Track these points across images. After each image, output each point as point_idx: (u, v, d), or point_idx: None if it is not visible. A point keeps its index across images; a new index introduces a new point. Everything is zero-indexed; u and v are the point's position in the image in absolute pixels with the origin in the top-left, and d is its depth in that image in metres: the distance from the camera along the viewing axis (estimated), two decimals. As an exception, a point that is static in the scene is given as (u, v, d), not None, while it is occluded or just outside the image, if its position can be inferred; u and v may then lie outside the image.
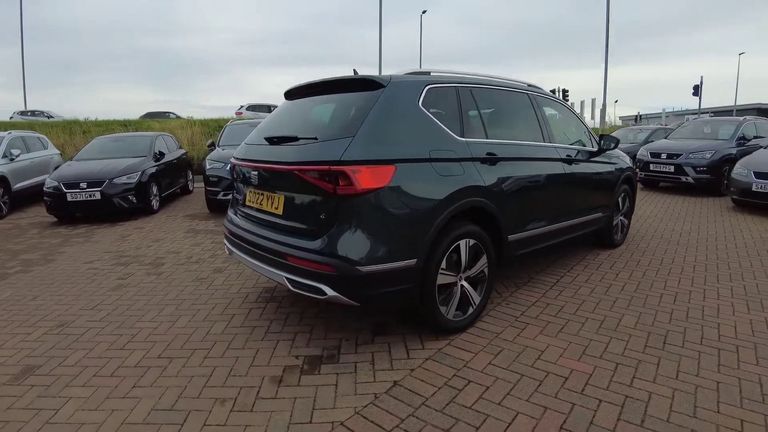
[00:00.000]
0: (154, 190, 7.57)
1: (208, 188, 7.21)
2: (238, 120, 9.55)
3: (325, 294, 2.56)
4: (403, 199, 2.65)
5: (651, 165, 9.21)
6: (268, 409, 2.30)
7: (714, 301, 3.63)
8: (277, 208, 2.92)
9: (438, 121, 2.95)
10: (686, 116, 40.23)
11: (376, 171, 2.53)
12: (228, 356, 2.82)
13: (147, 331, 3.21)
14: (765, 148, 7.84)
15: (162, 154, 8.25)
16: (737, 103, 42.61)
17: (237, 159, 3.34)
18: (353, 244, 2.53)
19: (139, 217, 7.34)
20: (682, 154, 8.74)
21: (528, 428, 2.15)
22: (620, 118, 54.20)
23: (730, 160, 8.43)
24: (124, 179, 6.95)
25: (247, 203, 3.24)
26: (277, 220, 2.91)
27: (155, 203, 7.59)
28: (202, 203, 8.44)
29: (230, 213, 3.55)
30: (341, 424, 2.18)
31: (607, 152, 4.64)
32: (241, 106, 23.51)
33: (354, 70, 3.51)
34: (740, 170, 7.20)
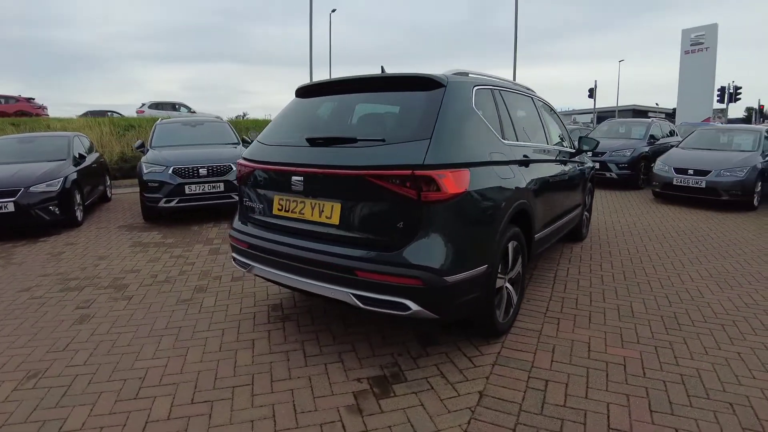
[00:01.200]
0: (78, 198, 6.42)
1: (146, 195, 6.30)
2: (167, 119, 8.51)
3: (409, 309, 2.31)
4: (478, 204, 2.51)
5: None
6: (367, 446, 2.01)
7: (692, 284, 4.01)
8: (329, 218, 2.57)
9: (488, 124, 2.84)
10: (572, 116, 44.67)
11: (457, 175, 2.35)
12: (279, 390, 2.42)
13: (156, 371, 2.65)
14: (677, 147, 8.94)
15: (82, 157, 7.03)
16: (618, 105, 48.11)
17: (257, 162, 2.91)
18: (439, 253, 2.31)
19: (62, 231, 6.16)
20: (606, 153, 9.62)
21: (624, 415, 2.20)
22: None
23: (645, 157, 9.56)
24: (43, 187, 5.77)
25: (277, 212, 2.82)
26: (332, 231, 2.56)
27: (79, 214, 6.45)
28: (131, 212, 7.42)
29: (240, 223, 3.09)
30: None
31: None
32: (143, 104, 21.15)
33: (382, 68, 3.24)
34: (661, 166, 8.13)
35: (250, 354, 2.81)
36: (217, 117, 9.04)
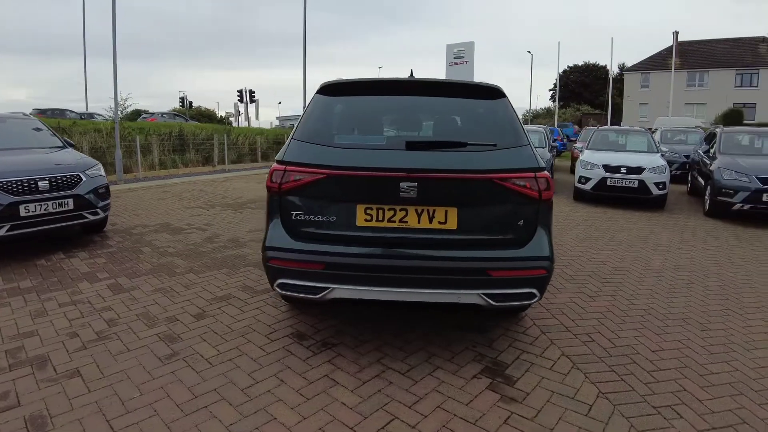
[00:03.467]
0: None
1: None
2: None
3: (535, 297, 2.52)
4: None
5: None
6: None
7: (679, 276, 4.33)
8: (444, 223, 2.46)
9: None
10: None
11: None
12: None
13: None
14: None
15: None
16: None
17: (333, 167, 2.47)
18: (549, 242, 2.59)
19: None
20: None
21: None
22: (277, 118, 59.25)
23: None
24: None
25: (364, 223, 2.48)
26: (450, 236, 2.47)
27: None
28: None
29: (294, 240, 2.54)
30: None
31: None
32: None
33: (411, 71, 3.10)
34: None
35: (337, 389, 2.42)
36: (24, 114, 6.27)
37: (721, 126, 9.54)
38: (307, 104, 2.89)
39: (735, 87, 37.42)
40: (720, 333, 3.21)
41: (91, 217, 4.78)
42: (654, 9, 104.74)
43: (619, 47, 63.14)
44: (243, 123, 26.65)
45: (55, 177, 4.45)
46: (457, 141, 2.57)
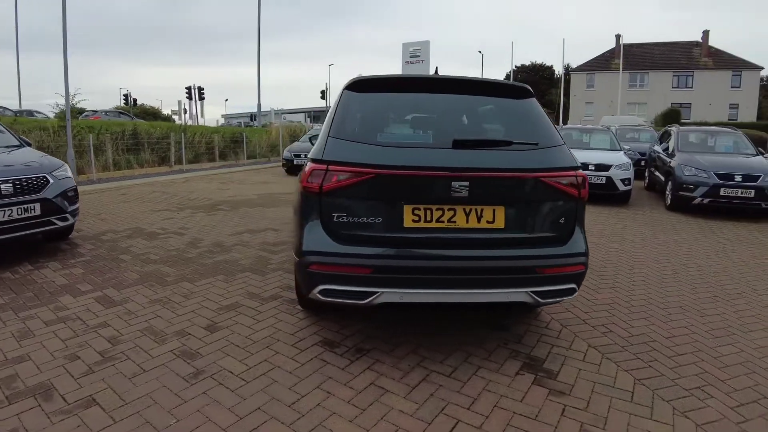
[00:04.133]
0: None
1: None
2: None
3: (575, 292, 2.55)
4: None
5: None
6: None
7: (663, 266, 4.55)
8: (492, 222, 2.41)
9: None
10: (282, 115, 46.39)
11: None
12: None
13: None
14: None
15: None
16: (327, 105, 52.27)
17: (380, 166, 2.33)
18: (585, 240, 2.62)
19: None
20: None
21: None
22: (223, 116, 56.80)
23: None
24: None
25: (411, 224, 2.36)
26: (498, 235, 2.43)
27: None
28: None
29: (337, 243, 2.37)
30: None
31: None
32: None
33: (436, 69, 2.99)
34: None
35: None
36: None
37: (677, 126, 10.20)
38: (337, 100, 2.72)
39: (672, 88, 40.26)
40: (717, 318, 3.41)
41: (60, 224, 4.26)
42: (595, 13, 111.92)
43: (562, 48, 66.01)
44: (189, 121, 25.28)
45: (20, 179, 3.91)
46: (504, 140, 2.52)
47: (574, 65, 47.73)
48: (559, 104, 37.52)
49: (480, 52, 45.54)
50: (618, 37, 42.83)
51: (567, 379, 2.51)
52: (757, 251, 5.39)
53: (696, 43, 41.90)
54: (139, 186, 9.63)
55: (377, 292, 2.36)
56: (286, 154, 13.07)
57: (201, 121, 25.78)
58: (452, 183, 2.34)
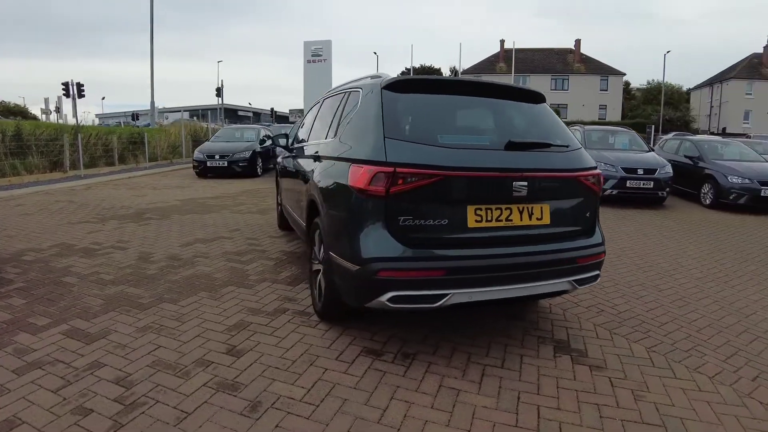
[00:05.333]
0: None
1: None
2: None
3: (599, 277, 2.76)
4: None
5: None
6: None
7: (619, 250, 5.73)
8: (540, 219, 2.49)
9: None
10: (165, 114, 41.59)
11: None
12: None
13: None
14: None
15: None
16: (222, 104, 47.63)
17: (447, 168, 2.26)
18: (601, 230, 2.85)
19: None
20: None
21: None
22: (98, 116, 49.52)
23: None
24: None
25: (475, 224, 2.33)
26: (544, 230, 2.51)
27: None
28: None
29: (406, 247, 2.23)
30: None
31: None
32: None
33: (455, 71, 2.92)
34: (199, 155, 11.85)
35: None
36: None
37: (581, 125, 11.25)
38: (375, 100, 2.55)
39: (551, 90, 44.49)
40: (671, 291, 3.89)
41: None
42: (485, 21, 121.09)
43: (459, 52, 70.22)
44: (62, 121, 21.49)
45: None
46: (546, 142, 2.61)
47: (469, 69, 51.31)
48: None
49: (375, 53, 46.49)
50: (502, 42, 47.08)
51: (597, 355, 2.71)
52: (668, 233, 6.37)
53: (570, 51, 47.41)
54: (33, 195, 7.96)
55: (448, 293, 2.29)
56: (197, 155, 11.85)
57: (72, 122, 22.10)
58: (513, 183, 2.38)
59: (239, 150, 11.86)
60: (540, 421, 2.08)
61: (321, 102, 4.25)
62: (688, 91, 50.08)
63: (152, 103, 21.85)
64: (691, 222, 7.16)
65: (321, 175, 2.96)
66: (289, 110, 43.17)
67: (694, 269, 4.61)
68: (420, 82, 2.72)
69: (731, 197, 8.09)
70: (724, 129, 36.30)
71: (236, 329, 2.88)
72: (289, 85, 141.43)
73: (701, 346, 2.90)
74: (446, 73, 62.23)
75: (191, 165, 12.39)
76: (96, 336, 2.71)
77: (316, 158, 3.26)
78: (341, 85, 3.88)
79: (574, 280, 2.61)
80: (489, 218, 2.40)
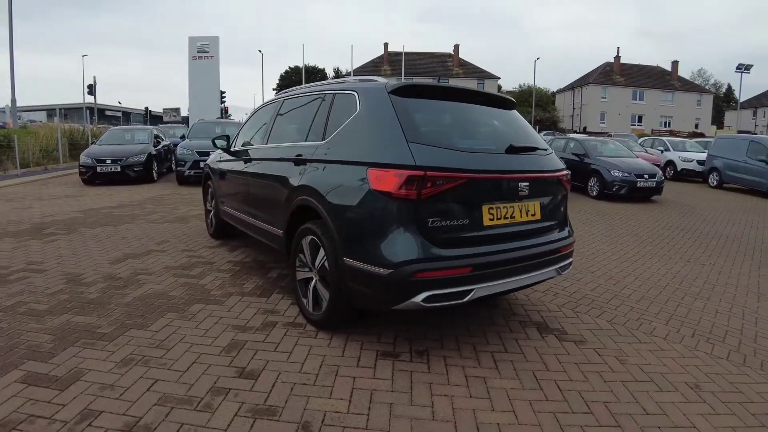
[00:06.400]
0: None
1: None
2: None
3: (572, 264, 3.06)
4: None
5: (201, 163, 9.96)
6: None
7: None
8: (534, 215, 2.73)
9: None
10: (19, 114, 34.25)
11: None
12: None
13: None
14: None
15: None
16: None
17: (471, 171, 2.37)
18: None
19: None
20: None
21: None
22: None
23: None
24: None
25: (488, 222, 2.48)
26: (535, 225, 2.74)
27: None
28: None
29: (437, 248, 2.29)
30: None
31: None
32: None
33: (438, 78, 2.97)
34: (85, 159, 10.15)
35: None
36: None
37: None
38: (386, 105, 2.52)
39: None
40: (602, 273, 4.59)
41: None
42: (374, 25, 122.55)
43: (350, 54, 69.04)
44: None
45: None
46: (534, 146, 2.84)
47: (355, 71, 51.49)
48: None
49: (260, 51, 44.52)
50: (386, 45, 48.31)
51: (574, 332, 3.04)
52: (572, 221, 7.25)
53: (449, 55, 50.20)
54: None
55: (473, 288, 2.38)
56: (84, 160, 10.10)
57: None
58: (519, 184, 2.58)
59: (134, 153, 10.40)
60: (563, 393, 2.30)
61: (278, 103, 3.99)
62: (554, 94, 56.04)
63: (13, 101, 17.90)
64: (586, 211, 8.25)
65: (320, 178, 2.81)
66: (163, 109, 39.02)
67: (608, 252, 5.38)
68: (421, 88, 2.76)
69: (614, 189, 9.39)
70: (585, 128, 41.98)
71: (233, 349, 2.60)
72: (159, 82, 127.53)
73: (645, 316, 3.42)
74: (330, 73, 62.38)
75: (76, 171, 10.57)
76: (68, 379, 2.21)
77: (299, 161, 3.09)
78: (309, 87, 3.71)
79: (559, 268, 2.90)
80: (499, 216, 2.56)
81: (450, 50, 51.00)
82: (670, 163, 14.62)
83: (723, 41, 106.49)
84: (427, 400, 2.19)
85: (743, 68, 39.32)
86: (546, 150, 2.95)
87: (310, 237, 2.88)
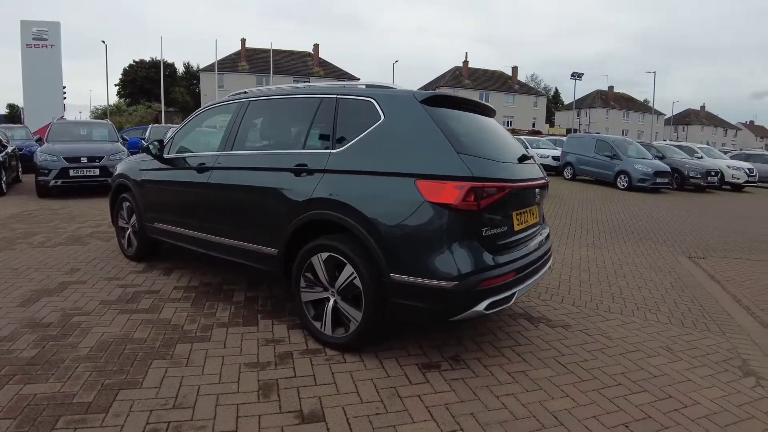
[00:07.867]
0: None
1: None
2: None
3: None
4: None
5: (71, 171, 8.17)
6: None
7: None
8: (536, 217, 2.97)
9: None
10: None
11: None
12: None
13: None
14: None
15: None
16: None
17: (513, 180, 2.48)
18: None
19: None
20: (104, 157, 8.33)
21: None
22: None
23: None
24: None
25: (517, 228, 2.64)
26: (537, 227, 2.98)
27: None
28: None
29: (493, 256, 2.33)
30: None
31: None
32: None
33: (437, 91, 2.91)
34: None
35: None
36: None
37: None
38: (425, 115, 2.44)
39: None
40: (583, 265, 5.15)
41: None
42: (222, 19, 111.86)
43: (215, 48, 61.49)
44: None
45: None
46: (531, 156, 3.05)
47: (202, 64, 47.12)
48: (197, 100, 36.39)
49: (104, 42, 37.92)
50: (243, 41, 45.30)
51: (558, 318, 3.36)
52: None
53: (309, 54, 49.25)
54: None
55: (515, 291, 2.48)
56: None
57: None
58: (536, 190, 2.77)
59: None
60: (590, 372, 2.56)
61: (240, 105, 3.45)
62: (412, 96, 60.70)
63: None
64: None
65: (346, 191, 2.53)
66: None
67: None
68: (442, 98, 2.70)
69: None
70: None
71: (270, 392, 2.24)
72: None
73: (595, 297, 3.86)
74: (180, 68, 56.43)
75: None
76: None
77: (304, 171, 2.76)
78: (283, 89, 3.36)
79: (550, 264, 3.21)
80: (522, 222, 2.72)
81: (309, 49, 50.29)
82: (529, 159, 17.30)
83: (544, 51, 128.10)
84: (496, 402, 2.22)
85: (576, 76, 46.92)
86: (531, 157, 3.23)
87: (326, 254, 2.62)
